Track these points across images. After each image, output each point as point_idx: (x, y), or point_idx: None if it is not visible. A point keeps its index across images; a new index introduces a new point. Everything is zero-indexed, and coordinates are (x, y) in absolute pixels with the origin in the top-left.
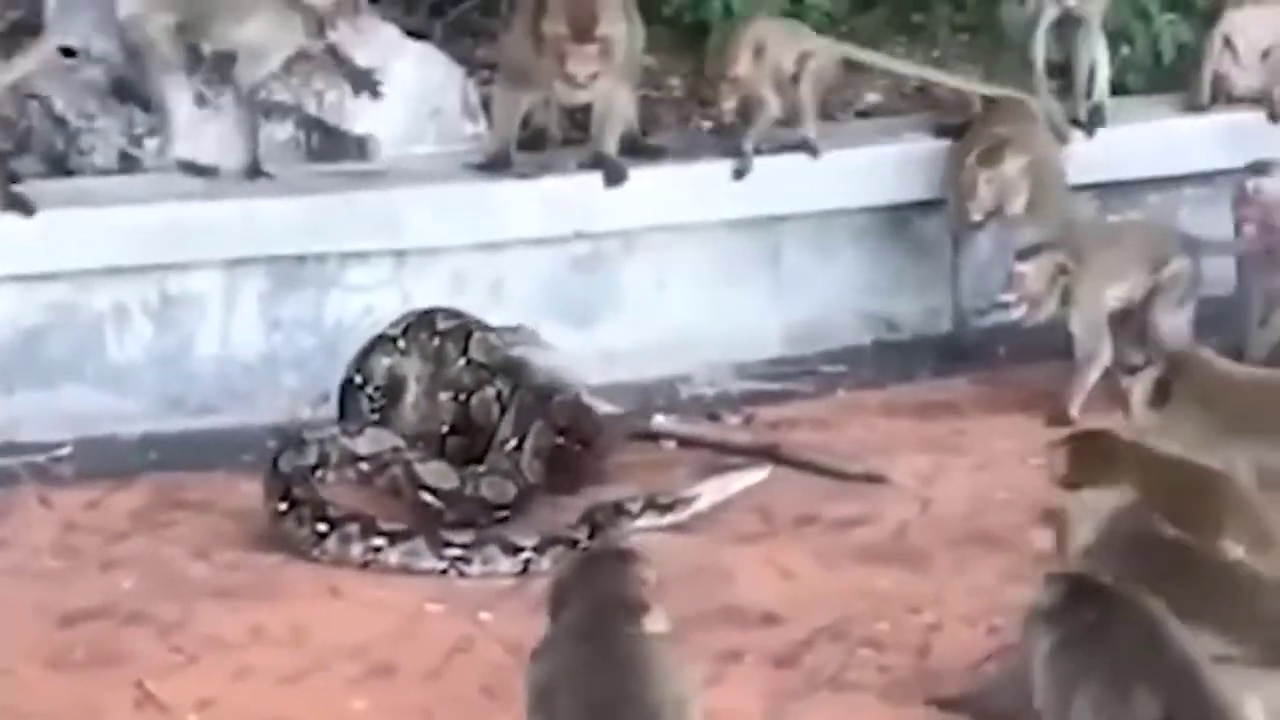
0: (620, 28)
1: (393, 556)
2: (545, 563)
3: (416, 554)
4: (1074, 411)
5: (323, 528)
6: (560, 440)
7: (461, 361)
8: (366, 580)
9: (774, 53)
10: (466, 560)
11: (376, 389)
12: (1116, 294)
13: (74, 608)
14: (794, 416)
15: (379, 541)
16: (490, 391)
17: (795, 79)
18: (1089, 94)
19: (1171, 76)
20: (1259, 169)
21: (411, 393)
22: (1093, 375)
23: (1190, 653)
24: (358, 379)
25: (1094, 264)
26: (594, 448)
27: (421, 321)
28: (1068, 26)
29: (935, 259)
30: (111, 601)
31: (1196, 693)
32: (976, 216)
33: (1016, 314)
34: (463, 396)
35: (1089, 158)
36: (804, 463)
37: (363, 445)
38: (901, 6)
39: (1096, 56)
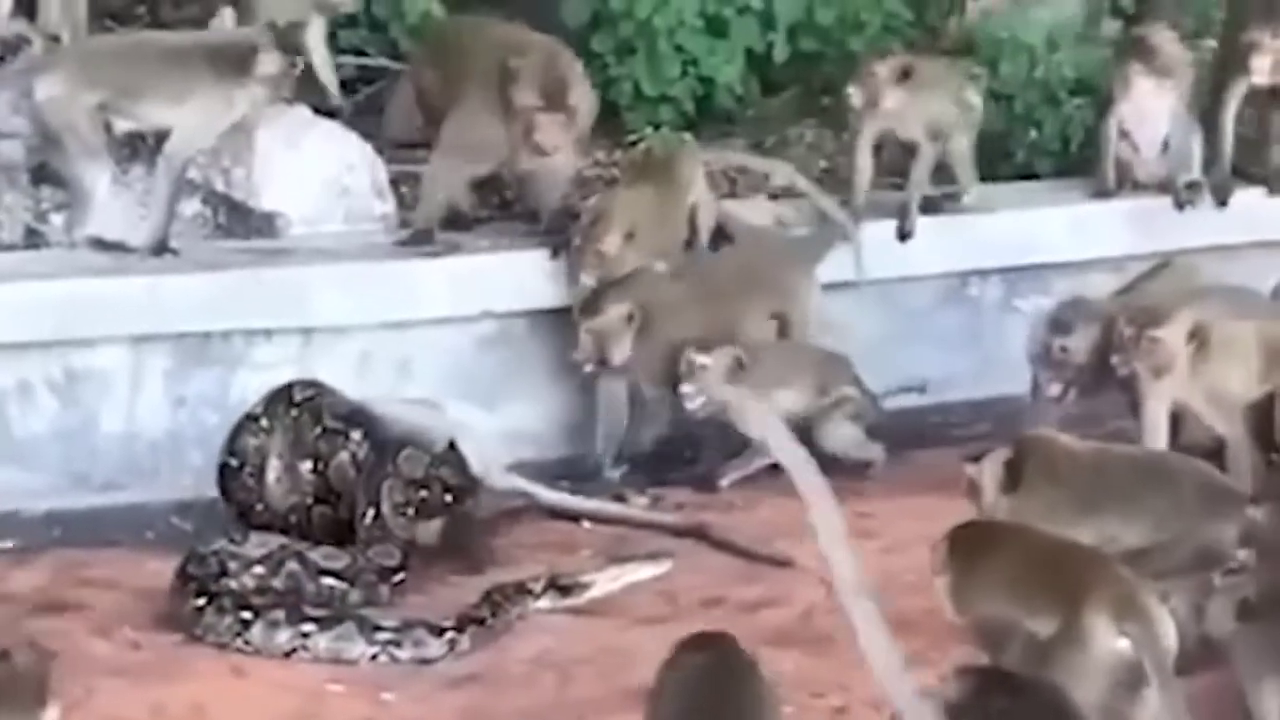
0: (588, 99)
1: (321, 642)
2: (465, 642)
3: (347, 639)
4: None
5: (246, 615)
6: (422, 494)
7: (317, 430)
8: (268, 660)
9: (644, 234)
10: (397, 644)
11: (248, 469)
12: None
13: None
14: (704, 500)
15: (307, 628)
16: (345, 455)
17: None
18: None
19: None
20: (1061, 327)
21: (274, 469)
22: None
23: None
24: (231, 461)
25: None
26: (462, 502)
27: (279, 395)
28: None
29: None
30: None
31: None
32: None
33: (692, 405)
34: (321, 465)
35: (998, 242)
36: (726, 544)
37: (253, 549)
38: (810, 90)
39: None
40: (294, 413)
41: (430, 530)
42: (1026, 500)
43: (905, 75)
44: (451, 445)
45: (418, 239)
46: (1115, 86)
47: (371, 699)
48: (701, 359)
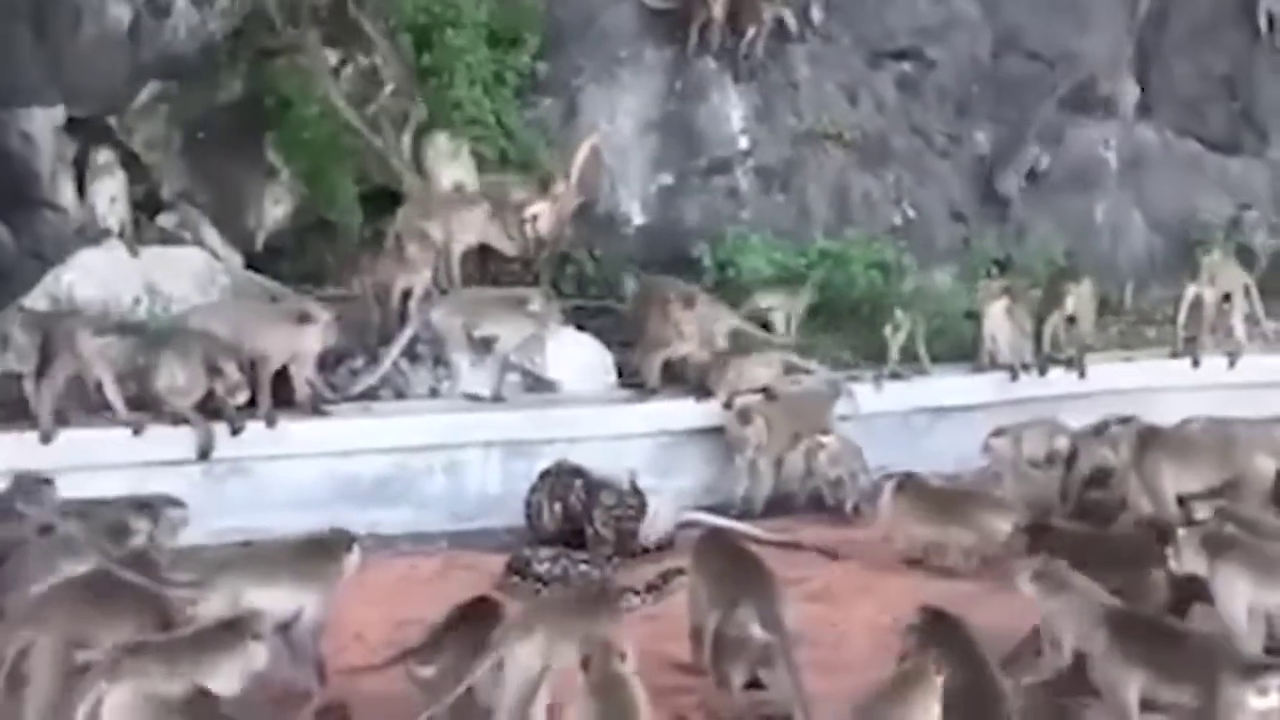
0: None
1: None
2: (650, 600)
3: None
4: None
5: (539, 587)
6: (615, 513)
7: (561, 483)
8: None
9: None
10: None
11: (533, 511)
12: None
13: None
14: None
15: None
16: (572, 498)
17: None
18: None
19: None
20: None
21: (545, 511)
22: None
23: None
24: (529, 509)
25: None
26: (636, 520)
27: (544, 470)
28: None
29: None
30: None
31: None
32: None
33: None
34: (561, 505)
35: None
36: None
37: (543, 553)
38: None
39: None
40: (550, 476)
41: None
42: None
43: None
44: (632, 486)
45: (648, 392)
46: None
47: None
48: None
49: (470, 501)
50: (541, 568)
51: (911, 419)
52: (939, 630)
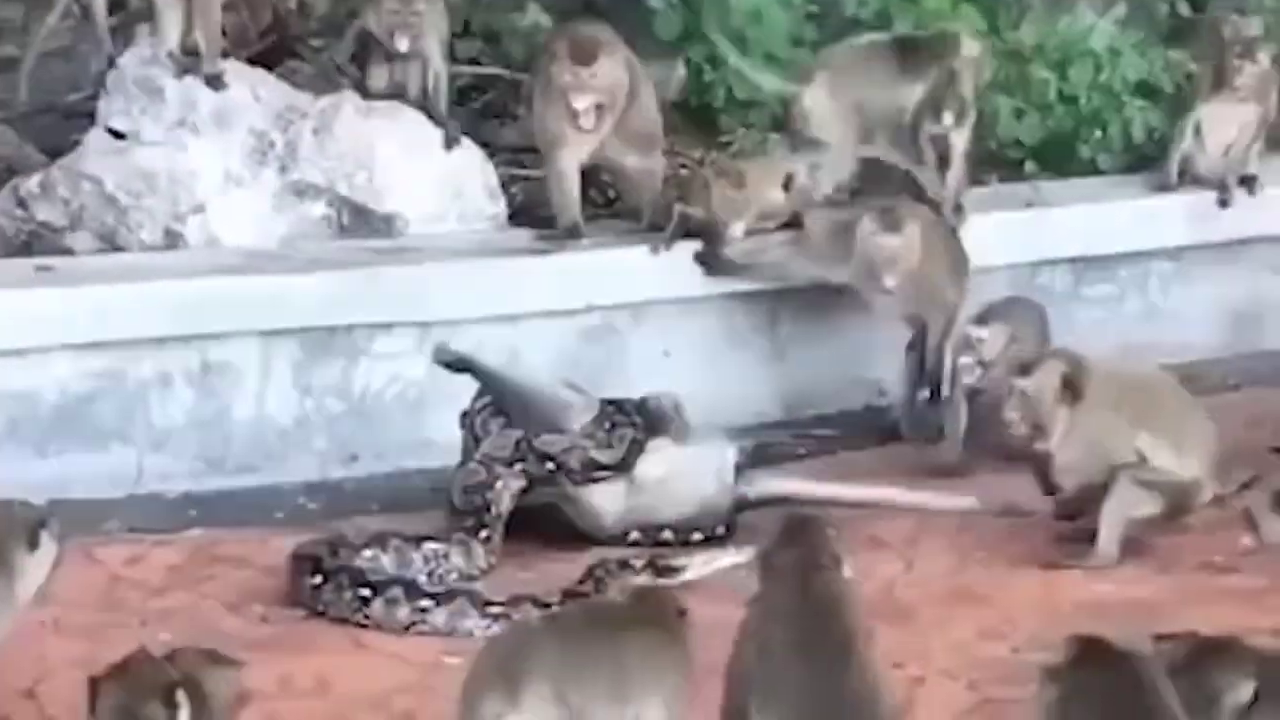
0: (620, 68)
1: (439, 618)
2: None
3: (462, 614)
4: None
5: (365, 593)
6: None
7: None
8: (388, 634)
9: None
10: (507, 617)
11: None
12: None
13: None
14: None
15: (425, 604)
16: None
17: None
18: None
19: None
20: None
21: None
22: None
23: None
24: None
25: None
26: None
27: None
28: None
29: None
30: None
31: None
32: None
33: (969, 379)
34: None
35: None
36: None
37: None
38: None
39: None
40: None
41: None
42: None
43: None
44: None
45: (569, 234)
46: (1199, 91)
47: None
48: (978, 331)
49: (238, 440)
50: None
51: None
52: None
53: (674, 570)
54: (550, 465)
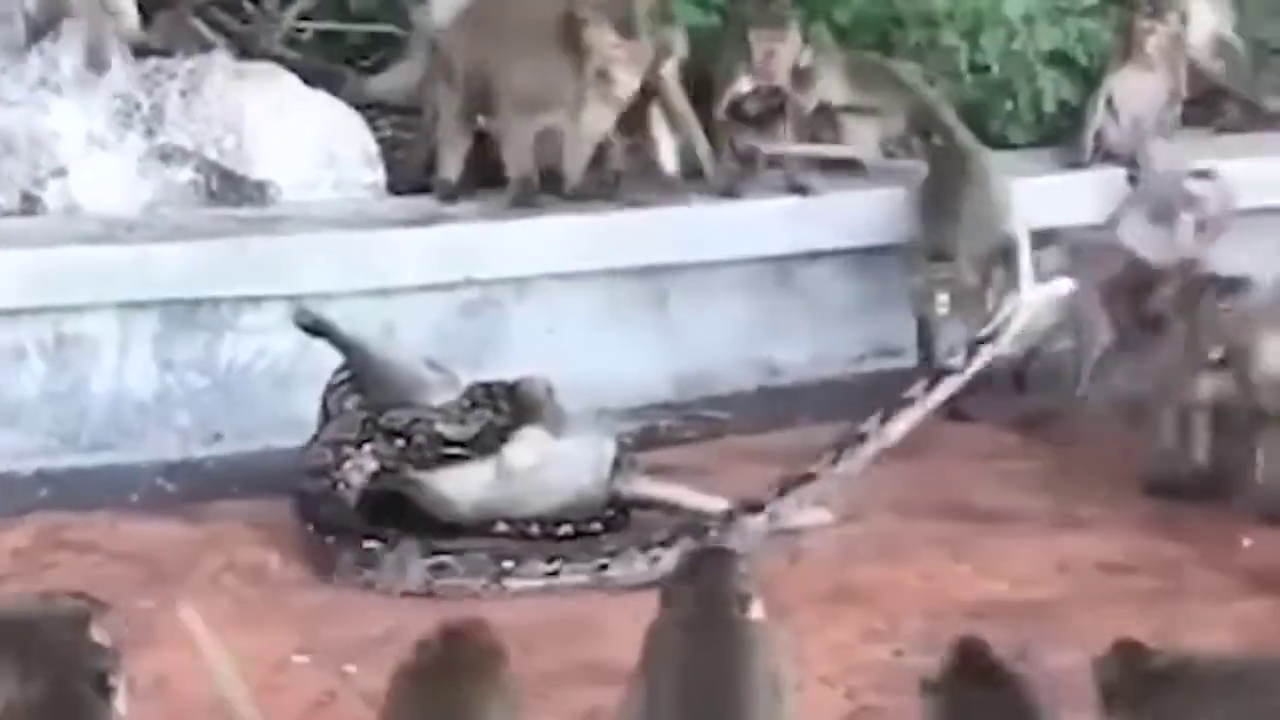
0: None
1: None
2: None
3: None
4: None
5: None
6: None
7: None
8: (237, 627)
9: None
10: None
11: None
12: None
13: None
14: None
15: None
16: None
17: None
18: None
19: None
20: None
21: None
22: None
23: None
24: None
25: None
26: None
27: None
28: None
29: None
30: None
31: None
32: None
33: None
34: None
35: None
36: None
37: None
38: None
39: None
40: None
41: None
42: None
43: None
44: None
45: (521, 200)
46: (1111, 62)
47: (335, 670)
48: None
49: (94, 416)
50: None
51: None
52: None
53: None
54: (399, 442)
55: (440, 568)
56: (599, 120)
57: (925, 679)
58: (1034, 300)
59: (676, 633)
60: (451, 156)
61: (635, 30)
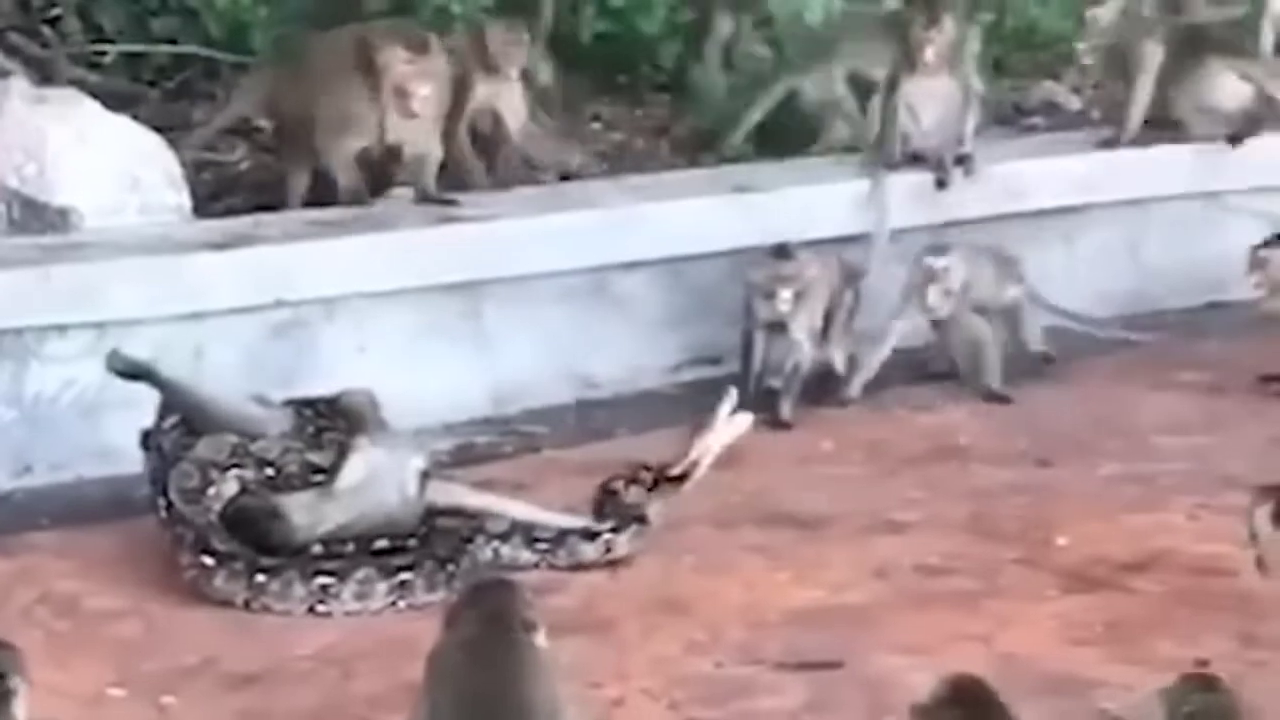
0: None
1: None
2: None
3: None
4: None
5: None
6: None
7: None
8: (50, 661)
9: None
10: None
11: None
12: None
13: None
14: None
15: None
16: None
17: None
18: None
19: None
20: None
21: None
22: None
23: None
24: None
25: None
26: None
27: None
28: None
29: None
30: None
31: None
32: None
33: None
34: None
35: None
36: None
37: None
38: (607, 68)
39: None
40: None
41: None
42: None
43: None
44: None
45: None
46: (899, 72)
47: (153, 702)
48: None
49: None
50: None
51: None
52: None
53: (682, 479)
54: (269, 470)
55: (325, 588)
56: (413, 134)
57: (914, 705)
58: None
59: (458, 655)
60: (296, 182)
61: (428, 46)
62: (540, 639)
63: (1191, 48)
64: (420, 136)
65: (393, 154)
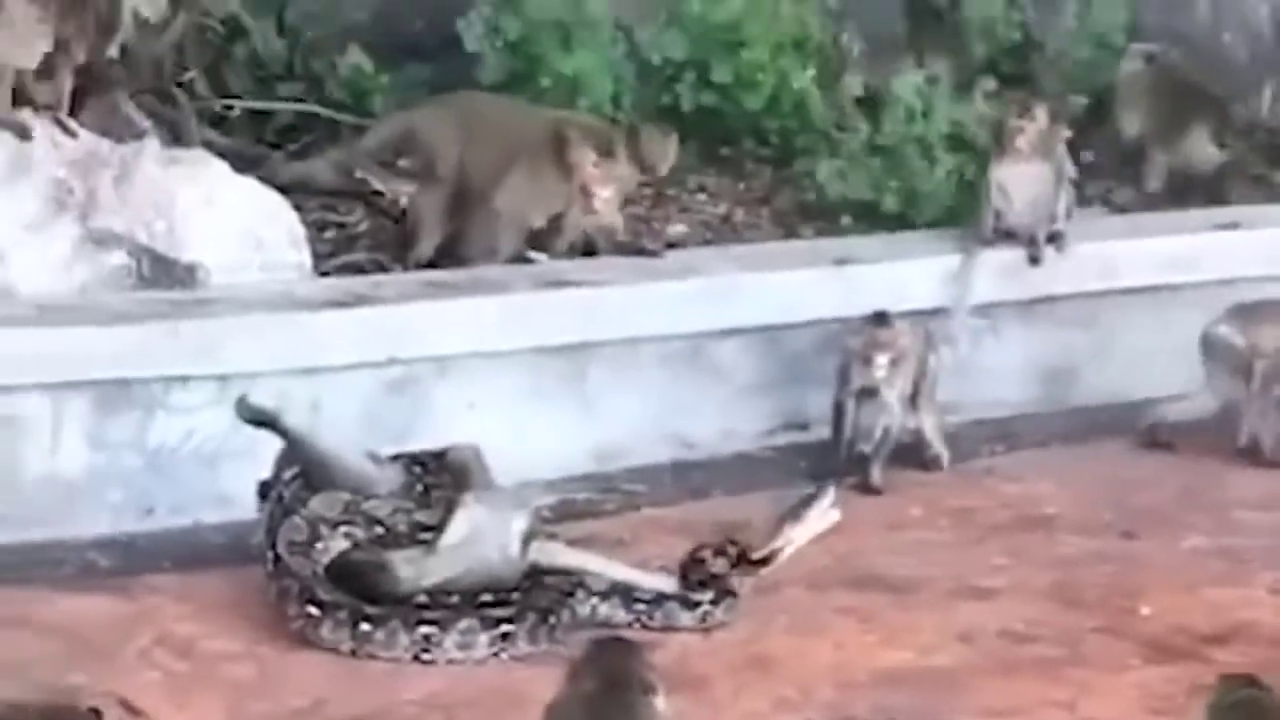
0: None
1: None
2: None
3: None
4: None
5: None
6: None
7: None
8: (168, 702)
9: None
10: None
11: None
12: None
13: None
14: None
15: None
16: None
17: None
18: None
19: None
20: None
21: None
22: None
23: None
24: None
25: None
26: None
27: None
28: None
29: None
30: None
31: None
32: None
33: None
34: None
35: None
36: None
37: None
38: (709, 141)
39: None
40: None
41: None
42: None
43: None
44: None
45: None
46: (992, 156)
47: None
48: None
49: (27, 494)
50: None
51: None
52: None
53: (764, 562)
54: (378, 528)
55: (428, 638)
56: (575, 229)
57: None
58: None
59: (577, 709)
60: (427, 240)
61: (614, 152)
62: (659, 702)
63: None
64: (598, 221)
65: (554, 224)
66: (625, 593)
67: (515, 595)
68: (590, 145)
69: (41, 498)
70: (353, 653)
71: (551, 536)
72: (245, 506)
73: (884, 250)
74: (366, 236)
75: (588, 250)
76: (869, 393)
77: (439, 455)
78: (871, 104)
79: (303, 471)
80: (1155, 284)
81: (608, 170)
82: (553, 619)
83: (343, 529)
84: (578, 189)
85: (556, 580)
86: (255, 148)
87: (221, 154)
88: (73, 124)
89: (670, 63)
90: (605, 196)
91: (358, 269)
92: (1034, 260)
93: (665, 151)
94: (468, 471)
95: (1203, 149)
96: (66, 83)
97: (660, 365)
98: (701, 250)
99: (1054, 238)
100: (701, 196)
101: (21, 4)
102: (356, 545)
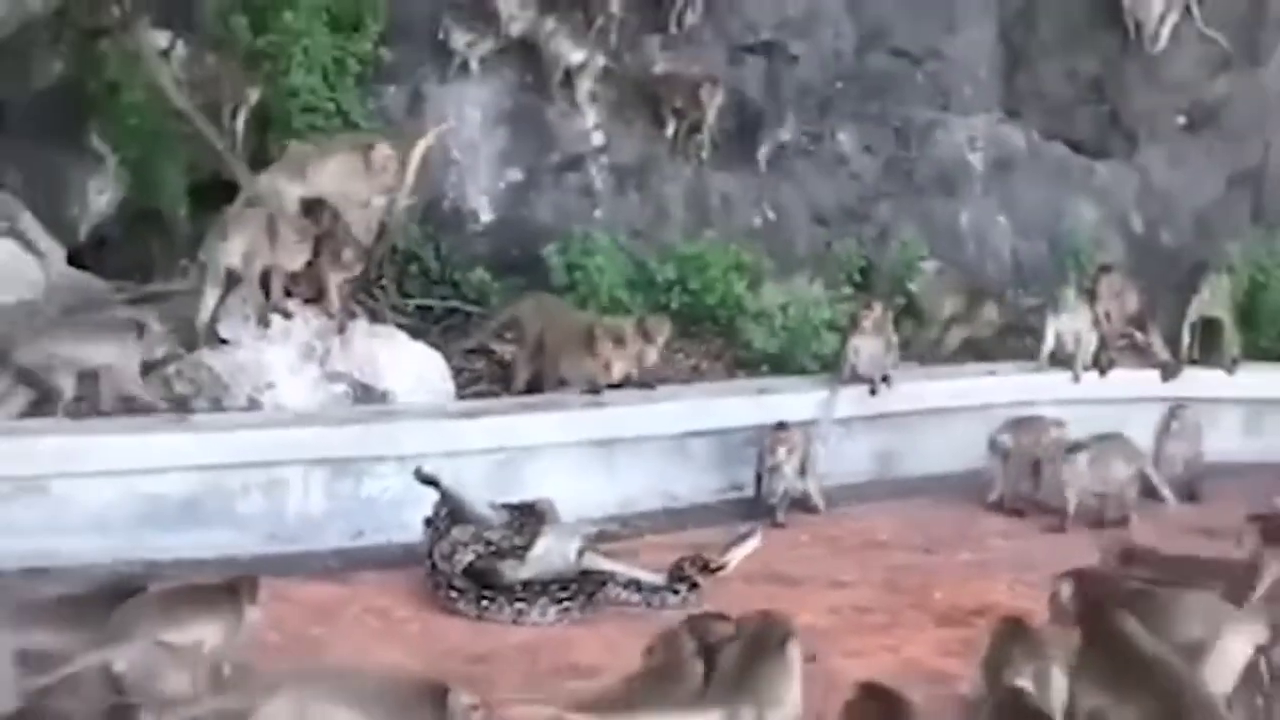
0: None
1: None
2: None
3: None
4: None
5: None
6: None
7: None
8: (372, 647)
9: None
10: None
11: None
12: None
13: None
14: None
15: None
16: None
17: None
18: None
19: None
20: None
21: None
22: None
23: None
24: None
25: None
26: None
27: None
28: None
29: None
30: None
31: None
32: None
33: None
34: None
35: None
36: None
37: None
38: (685, 323)
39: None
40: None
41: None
42: None
43: None
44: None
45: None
46: (850, 327)
47: (432, 667)
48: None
49: (289, 523)
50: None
51: None
52: None
53: (720, 568)
54: (492, 547)
55: (520, 610)
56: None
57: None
58: (743, 553)
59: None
60: (520, 378)
61: (625, 342)
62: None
63: None
64: (612, 379)
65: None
66: (637, 585)
67: (572, 585)
68: (609, 339)
69: (297, 526)
70: (477, 618)
71: (594, 551)
72: (416, 532)
73: (786, 386)
74: (486, 376)
75: (615, 386)
76: (775, 469)
77: (528, 505)
78: (784, 301)
79: (450, 512)
80: (944, 407)
81: (620, 352)
82: (595, 599)
83: (472, 547)
84: (602, 365)
85: (597, 576)
86: (422, 325)
87: (403, 328)
88: (319, 308)
89: (665, 279)
90: (619, 368)
91: (481, 395)
92: (873, 392)
93: (662, 330)
94: (544, 515)
95: (990, 320)
96: (321, 281)
97: (657, 452)
98: (680, 386)
99: (885, 379)
100: (680, 355)
101: (291, 230)
102: (479, 556)
